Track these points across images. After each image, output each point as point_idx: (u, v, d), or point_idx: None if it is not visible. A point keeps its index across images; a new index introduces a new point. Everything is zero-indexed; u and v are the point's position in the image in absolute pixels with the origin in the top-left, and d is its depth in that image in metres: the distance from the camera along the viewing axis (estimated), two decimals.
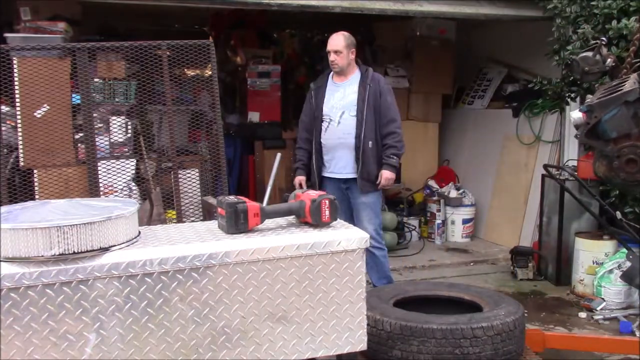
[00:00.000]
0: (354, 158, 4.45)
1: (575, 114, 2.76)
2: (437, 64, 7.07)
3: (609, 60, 2.96)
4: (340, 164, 4.51)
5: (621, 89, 2.63)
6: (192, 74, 4.71)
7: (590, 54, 3.02)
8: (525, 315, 3.39)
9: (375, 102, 4.40)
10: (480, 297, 3.22)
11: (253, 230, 2.19)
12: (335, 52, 4.41)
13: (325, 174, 4.58)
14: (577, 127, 2.75)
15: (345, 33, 4.48)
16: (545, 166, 4.62)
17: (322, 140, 4.53)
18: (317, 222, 2.23)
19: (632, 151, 2.63)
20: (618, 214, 4.27)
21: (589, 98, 2.87)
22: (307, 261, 2.11)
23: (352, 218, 4.55)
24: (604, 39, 3.08)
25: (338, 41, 4.42)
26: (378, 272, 4.57)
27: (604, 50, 3.00)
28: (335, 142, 4.49)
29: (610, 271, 4.78)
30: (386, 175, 4.39)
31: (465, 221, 6.80)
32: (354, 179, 4.48)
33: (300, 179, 4.61)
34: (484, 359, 2.76)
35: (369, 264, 4.43)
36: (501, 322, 2.82)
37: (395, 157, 4.43)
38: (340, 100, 4.48)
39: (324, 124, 4.52)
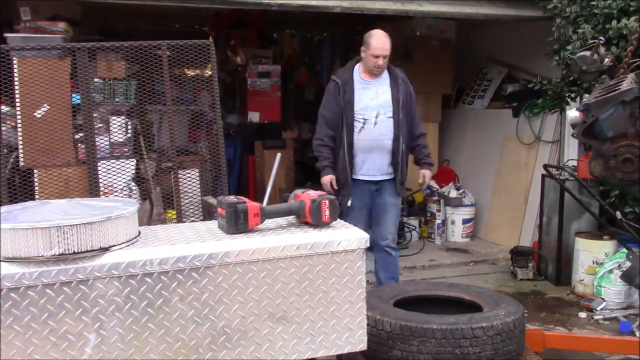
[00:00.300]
0: (389, 161, 4.32)
1: (571, 113, 2.76)
2: (437, 64, 7.07)
3: (606, 59, 2.96)
4: (374, 166, 4.34)
5: (618, 89, 2.64)
6: (192, 74, 4.71)
7: (588, 53, 3.02)
8: (525, 315, 3.39)
9: (406, 103, 4.30)
10: (480, 297, 3.22)
11: (253, 230, 2.19)
12: (385, 57, 4.21)
13: (355, 176, 4.35)
14: (573, 125, 2.76)
15: (386, 34, 4.30)
16: (545, 166, 4.63)
17: (355, 141, 4.28)
18: (317, 222, 2.23)
19: (629, 150, 2.63)
20: (618, 214, 4.27)
21: (587, 97, 2.87)
22: (307, 261, 2.11)
23: (371, 220, 4.51)
24: (602, 38, 3.08)
25: (388, 45, 4.23)
26: (388, 272, 4.54)
27: (602, 50, 3.00)
28: (370, 144, 4.30)
29: (610, 271, 4.78)
30: (429, 174, 4.38)
31: (465, 221, 6.80)
32: (386, 180, 4.36)
33: (330, 177, 4.31)
34: (484, 359, 2.76)
35: (380, 263, 4.44)
36: (501, 322, 2.81)
37: (430, 157, 4.47)
38: (373, 100, 4.29)
39: (357, 124, 4.28)
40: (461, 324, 2.76)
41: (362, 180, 4.36)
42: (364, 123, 4.28)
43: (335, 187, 4.32)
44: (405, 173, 4.40)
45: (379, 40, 4.22)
